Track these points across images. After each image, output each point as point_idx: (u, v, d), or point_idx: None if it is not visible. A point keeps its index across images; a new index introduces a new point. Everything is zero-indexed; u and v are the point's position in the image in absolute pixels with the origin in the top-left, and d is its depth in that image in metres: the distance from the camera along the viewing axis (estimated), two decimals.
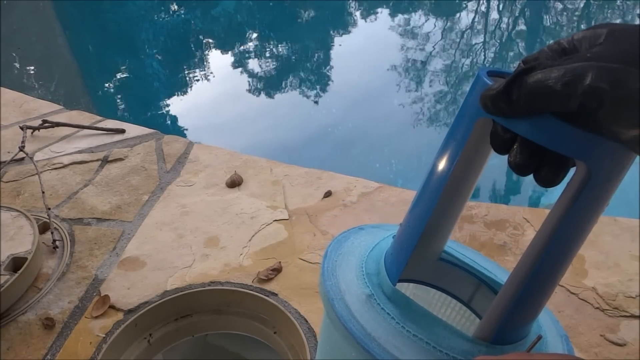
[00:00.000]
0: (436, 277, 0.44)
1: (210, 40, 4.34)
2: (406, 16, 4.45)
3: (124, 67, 3.77)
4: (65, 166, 1.34)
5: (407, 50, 3.75)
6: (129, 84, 3.55)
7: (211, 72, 3.72)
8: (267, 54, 3.98)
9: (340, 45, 4.04)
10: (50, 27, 4.50)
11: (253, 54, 3.96)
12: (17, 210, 1.08)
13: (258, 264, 0.99)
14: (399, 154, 2.71)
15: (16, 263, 0.95)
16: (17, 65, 3.72)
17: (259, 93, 3.49)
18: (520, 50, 3.85)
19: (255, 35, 4.40)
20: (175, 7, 4.89)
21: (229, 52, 4.11)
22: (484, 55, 3.75)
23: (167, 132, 1.49)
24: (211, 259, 1.02)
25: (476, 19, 4.34)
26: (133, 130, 1.49)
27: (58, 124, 1.50)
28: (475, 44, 3.92)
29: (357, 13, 4.73)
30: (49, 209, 1.15)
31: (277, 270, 0.97)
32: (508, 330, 0.34)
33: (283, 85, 3.59)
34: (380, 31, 4.25)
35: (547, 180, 0.29)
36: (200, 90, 3.49)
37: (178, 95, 3.48)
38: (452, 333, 0.34)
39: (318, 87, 3.48)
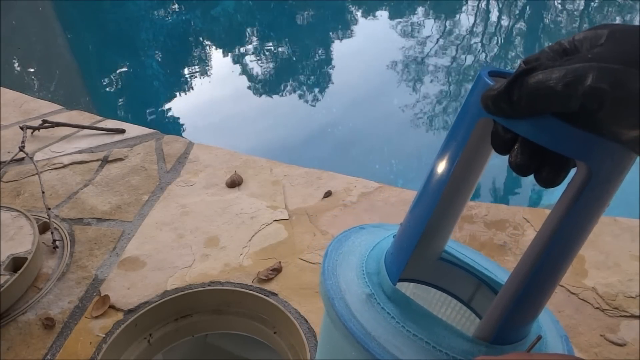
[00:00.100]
0: (436, 277, 0.44)
1: (210, 40, 4.34)
2: (406, 16, 4.45)
3: (124, 67, 3.77)
4: (65, 166, 1.34)
5: (407, 50, 3.75)
6: (129, 84, 3.55)
7: (211, 72, 3.71)
8: (267, 54, 3.97)
9: (340, 45, 4.04)
10: (50, 27, 4.50)
11: (253, 54, 3.96)
12: (17, 210, 1.08)
13: (258, 264, 0.99)
14: (399, 154, 2.71)
15: (16, 263, 0.95)
16: (17, 65, 3.72)
17: (259, 93, 3.49)
18: (521, 50, 3.85)
19: (255, 35, 4.40)
20: (175, 7, 4.89)
21: (229, 52, 4.11)
22: (485, 55, 3.75)
23: (167, 132, 1.50)
24: (211, 259, 1.02)
25: (477, 19, 4.34)
26: (133, 130, 1.49)
27: (58, 124, 1.50)
28: (475, 43, 3.92)
29: (357, 13, 4.73)
30: (49, 209, 1.15)
31: (277, 270, 0.97)
32: (508, 331, 0.34)
33: (283, 85, 3.59)
34: (380, 31, 4.25)
35: (548, 180, 0.29)
36: (200, 90, 3.49)
37: (178, 95, 3.48)
38: (452, 333, 0.34)
39: (318, 87, 3.48)
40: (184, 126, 3.07)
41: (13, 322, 0.90)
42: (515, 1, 4.74)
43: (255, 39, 4.30)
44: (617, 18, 4.17)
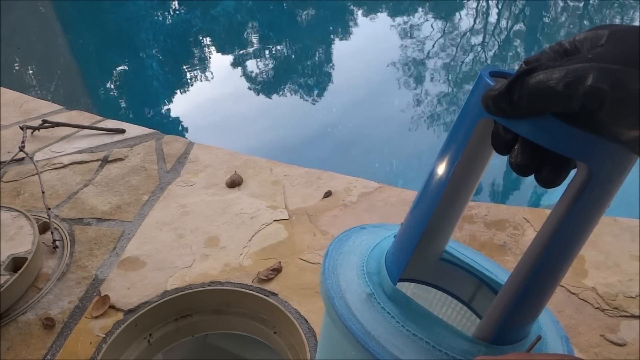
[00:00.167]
0: (437, 277, 0.44)
1: (210, 40, 4.34)
2: (406, 16, 4.45)
3: (124, 67, 3.77)
4: (65, 166, 1.34)
5: (408, 50, 3.75)
6: (129, 84, 3.55)
7: (211, 72, 3.72)
8: (267, 54, 3.98)
9: (340, 45, 4.04)
10: (50, 27, 4.50)
11: (253, 54, 3.96)
12: (17, 210, 1.08)
13: (258, 264, 0.99)
14: (399, 154, 2.71)
15: (16, 263, 0.95)
16: (17, 65, 3.72)
17: (259, 93, 3.49)
18: (521, 50, 3.85)
19: (255, 35, 4.40)
20: (176, 7, 4.89)
21: (229, 52, 4.11)
22: (485, 55, 3.75)
23: (167, 132, 1.50)
24: (211, 259, 1.02)
25: (477, 20, 4.34)
26: (133, 130, 1.49)
27: (58, 124, 1.50)
28: (475, 44, 3.92)
29: (358, 13, 4.73)
30: (49, 209, 1.15)
31: (277, 270, 0.97)
32: (508, 331, 0.34)
33: (283, 85, 3.60)
34: (380, 31, 4.25)
35: (548, 180, 0.29)
36: (200, 90, 3.49)
37: (178, 95, 3.48)
38: (452, 333, 0.34)
39: (318, 87, 3.48)
40: (184, 126, 3.07)
41: (13, 322, 0.90)
42: (515, 1, 4.74)
43: (255, 39, 4.30)
44: (617, 19, 4.17)
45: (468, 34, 4.04)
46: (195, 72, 3.73)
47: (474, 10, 4.54)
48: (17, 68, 3.69)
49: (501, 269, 0.44)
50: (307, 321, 0.87)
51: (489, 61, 3.65)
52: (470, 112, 0.31)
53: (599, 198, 0.29)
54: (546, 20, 4.37)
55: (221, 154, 1.36)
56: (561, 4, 4.53)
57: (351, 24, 4.50)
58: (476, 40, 3.98)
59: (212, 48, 4.20)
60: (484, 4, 4.71)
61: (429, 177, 0.35)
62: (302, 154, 2.61)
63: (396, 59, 3.58)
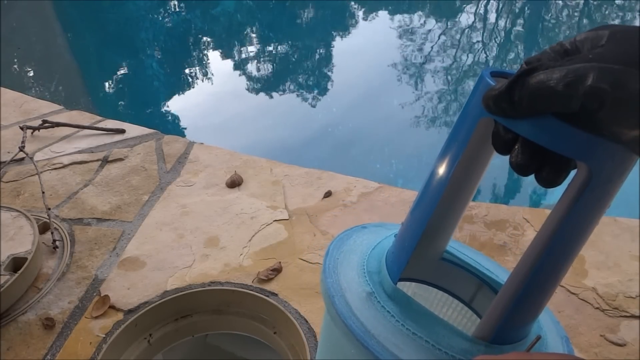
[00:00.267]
0: (438, 277, 0.44)
1: (210, 40, 4.34)
2: (406, 16, 4.45)
3: (124, 67, 3.77)
4: (65, 166, 1.34)
5: (408, 50, 3.75)
6: (129, 84, 3.55)
7: (211, 72, 3.72)
8: (267, 54, 3.98)
9: (340, 45, 4.04)
10: (50, 27, 4.50)
11: (253, 53, 3.96)
12: (17, 210, 1.08)
13: (258, 264, 0.99)
14: (399, 154, 2.71)
15: (16, 263, 0.95)
16: (17, 65, 3.72)
17: (259, 93, 3.49)
18: (521, 49, 3.85)
19: (255, 35, 4.40)
20: (175, 7, 4.89)
21: (229, 52, 4.11)
22: (485, 55, 3.75)
23: (167, 132, 1.50)
24: (211, 259, 1.02)
25: (476, 19, 4.34)
26: (133, 130, 1.49)
27: (58, 124, 1.50)
28: (476, 42, 3.92)
29: (358, 13, 4.73)
30: (49, 209, 1.15)
31: (277, 270, 0.97)
32: (507, 330, 0.34)
33: (283, 85, 3.60)
34: (380, 31, 4.25)
35: (548, 180, 0.29)
36: (200, 90, 3.49)
37: (178, 95, 3.48)
38: (451, 332, 0.34)
39: (318, 87, 3.48)
40: (184, 126, 3.07)
41: (13, 322, 0.90)
42: (515, 1, 4.74)
43: (255, 38, 4.30)
44: (617, 20, 4.17)
45: (468, 33, 4.04)
46: (195, 72, 3.73)
47: (474, 10, 4.54)
48: (17, 68, 3.69)
49: (502, 269, 0.44)
50: (307, 321, 0.87)
51: (489, 61, 3.65)
52: (471, 112, 0.31)
53: (599, 198, 0.29)
54: (546, 21, 4.37)
55: (221, 154, 1.36)
56: (561, 4, 4.53)
57: (351, 24, 4.51)
58: (476, 40, 3.98)
59: (212, 48, 4.20)
60: (484, 4, 4.72)
61: (429, 176, 0.35)
62: (302, 154, 2.61)
63: (396, 59, 3.58)
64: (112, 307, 0.92)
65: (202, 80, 3.61)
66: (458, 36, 4.02)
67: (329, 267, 0.40)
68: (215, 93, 3.52)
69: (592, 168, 0.27)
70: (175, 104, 3.32)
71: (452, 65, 3.55)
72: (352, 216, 1.12)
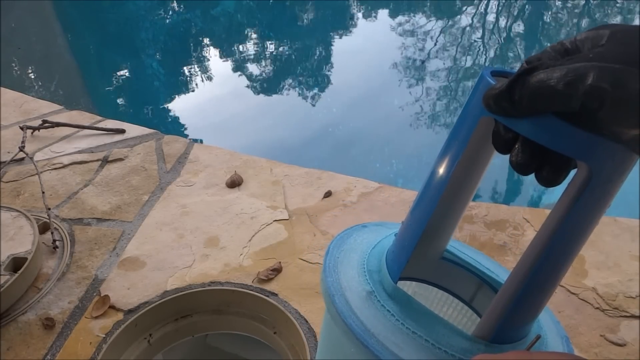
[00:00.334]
0: (438, 276, 0.44)
1: (210, 40, 4.34)
2: (406, 16, 4.45)
3: (124, 67, 3.77)
4: (65, 166, 1.34)
5: (408, 50, 3.75)
6: (129, 84, 3.55)
7: (211, 72, 3.72)
8: (267, 54, 3.98)
9: (340, 44, 4.04)
10: (50, 27, 4.50)
11: (253, 54, 3.96)
12: (17, 210, 1.08)
13: (258, 264, 0.99)
14: (399, 154, 2.71)
15: (16, 263, 0.95)
16: (17, 65, 3.72)
17: (259, 93, 3.49)
18: (522, 49, 3.85)
19: (255, 35, 4.40)
20: (175, 7, 4.89)
21: (229, 52, 4.11)
22: (485, 55, 3.75)
23: (167, 132, 1.50)
24: (211, 259, 1.02)
25: (476, 19, 4.34)
26: (133, 130, 1.49)
27: (58, 124, 1.50)
28: (476, 41, 3.92)
29: (358, 13, 4.74)
30: (49, 209, 1.15)
31: (277, 270, 0.97)
32: (507, 330, 0.34)
33: (283, 85, 3.60)
34: (380, 31, 4.25)
35: (549, 180, 0.29)
36: (200, 90, 3.49)
37: (178, 95, 3.48)
38: (451, 331, 0.34)
39: (318, 87, 3.49)
40: (184, 126, 3.07)
41: (13, 322, 0.90)
42: (516, 1, 4.74)
43: (255, 38, 4.30)
44: (617, 19, 4.17)
45: (468, 33, 4.04)
46: (195, 72, 3.73)
47: (474, 10, 4.54)
48: (17, 68, 3.69)
49: (502, 269, 0.44)
50: (307, 321, 0.87)
51: (489, 61, 3.65)
52: (472, 111, 0.31)
53: (600, 198, 0.29)
54: (546, 23, 4.37)
55: (221, 154, 1.36)
56: (561, 4, 4.53)
57: (351, 23, 4.51)
58: (476, 39, 3.98)
59: (212, 48, 4.20)
60: (484, 4, 4.71)
61: (429, 176, 0.35)
62: (302, 154, 2.62)
63: (396, 59, 3.58)
64: (112, 307, 0.92)
65: (202, 80, 3.61)
66: (458, 36, 4.02)
67: (329, 266, 0.40)
68: (215, 93, 3.52)
69: (592, 167, 0.27)
70: (175, 104, 3.32)
71: (452, 65, 3.55)
72: (352, 216, 1.12)
